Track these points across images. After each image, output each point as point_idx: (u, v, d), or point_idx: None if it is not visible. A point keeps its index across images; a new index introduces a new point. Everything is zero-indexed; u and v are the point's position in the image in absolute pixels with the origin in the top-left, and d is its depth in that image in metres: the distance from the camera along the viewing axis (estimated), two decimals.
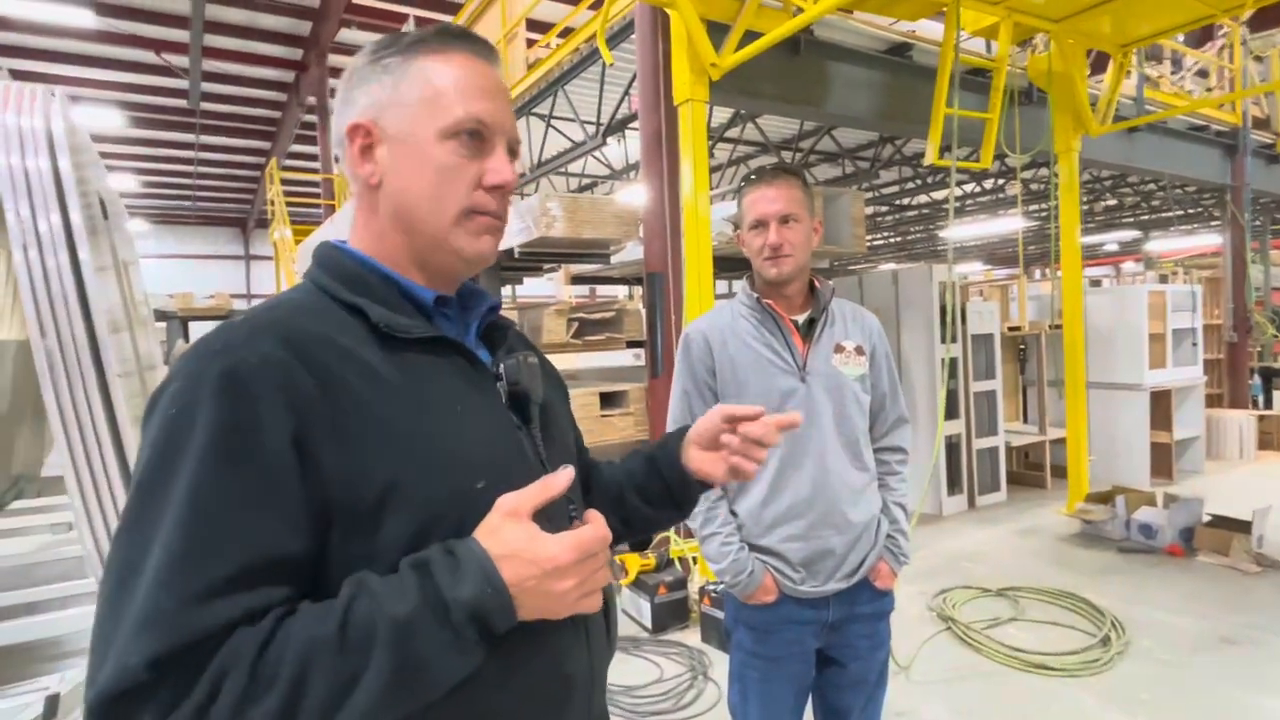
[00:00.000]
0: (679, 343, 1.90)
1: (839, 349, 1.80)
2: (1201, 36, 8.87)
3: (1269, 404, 8.98)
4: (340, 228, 5.53)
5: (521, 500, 0.73)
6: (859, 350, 1.82)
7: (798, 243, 1.76)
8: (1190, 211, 13.07)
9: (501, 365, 0.89)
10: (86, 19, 9.55)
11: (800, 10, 3.81)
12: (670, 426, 1.87)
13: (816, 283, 1.85)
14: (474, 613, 0.68)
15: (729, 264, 5.98)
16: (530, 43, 6.48)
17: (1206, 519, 5.02)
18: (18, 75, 10.89)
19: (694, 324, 1.91)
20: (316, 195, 14.96)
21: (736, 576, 1.76)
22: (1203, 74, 8.76)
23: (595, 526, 0.75)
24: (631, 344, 5.70)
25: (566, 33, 6.05)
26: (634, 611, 4.07)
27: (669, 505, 1.08)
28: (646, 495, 1.08)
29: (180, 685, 0.60)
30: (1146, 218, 14.01)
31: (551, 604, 0.73)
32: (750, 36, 4.07)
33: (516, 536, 0.71)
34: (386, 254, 0.86)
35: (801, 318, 1.82)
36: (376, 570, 0.71)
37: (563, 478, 0.76)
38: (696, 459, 1.04)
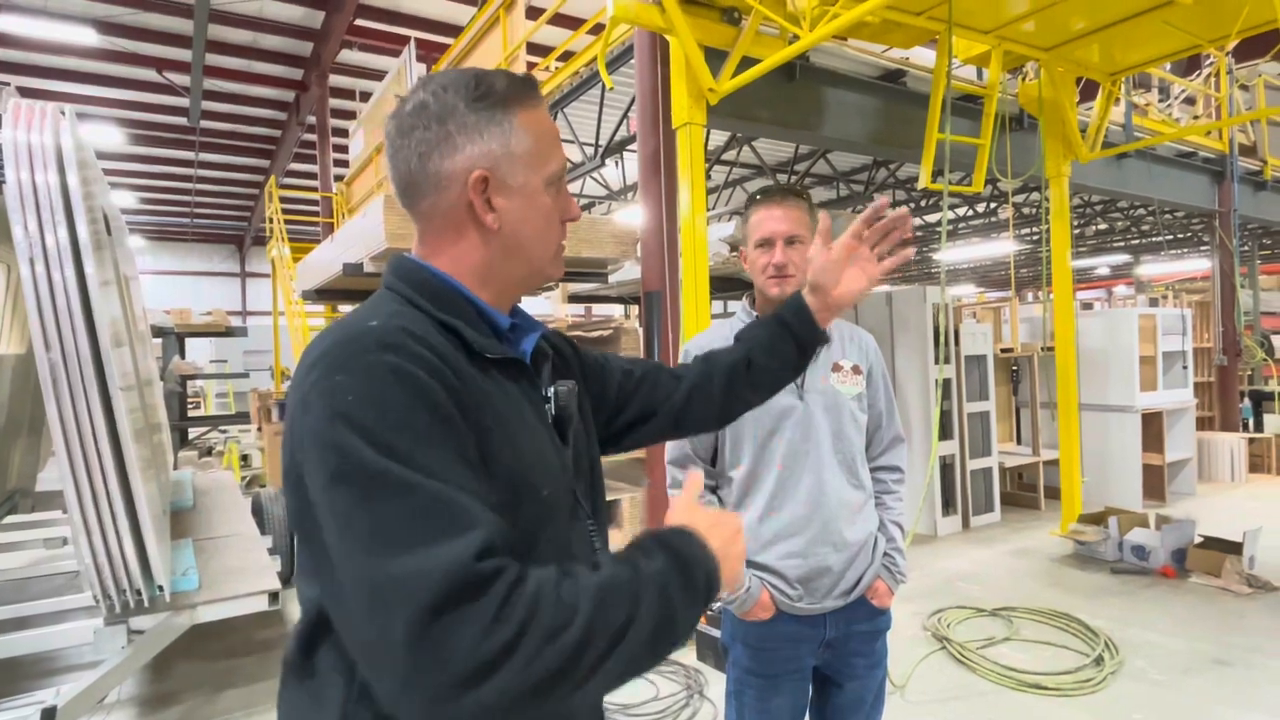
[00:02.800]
0: (679, 358, 1.93)
1: (836, 367, 1.83)
2: (1188, 65, 9.05)
3: (1259, 427, 9.05)
4: (343, 245, 5.57)
5: (685, 494, 0.95)
6: (856, 369, 1.85)
7: (801, 264, 1.77)
8: (1179, 236, 13.24)
9: (553, 389, 0.99)
10: (89, 37, 9.64)
11: (796, 38, 3.90)
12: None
13: None
14: (706, 571, 0.82)
15: (726, 284, 6.04)
16: (530, 66, 6.57)
17: (1198, 540, 5.05)
18: (19, 92, 10.96)
19: (693, 340, 1.94)
20: (315, 214, 15.02)
21: (734, 593, 1.77)
22: (1190, 102, 8.92)
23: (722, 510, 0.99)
24: None
25: (566, 56, 6.15)
26: None
27: (798, 360, 1.28)
28: (780, 356, 1.26)
29: (502, 599, 0.66)
30: (1137, 242, 14.17)
31: (735, 566, 0.88)
32: (747, 62, 4.15)
33: (703, 514, 0.89)
34: (476, 279, 0.93)
35: None
36: None
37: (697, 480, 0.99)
38: (835, 294, 1.24)
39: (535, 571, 0.70)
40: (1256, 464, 8.22)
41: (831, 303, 1.24)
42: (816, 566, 1.77)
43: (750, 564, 1.81)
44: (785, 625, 1.79)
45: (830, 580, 1.78)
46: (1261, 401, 9.26)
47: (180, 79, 11.22)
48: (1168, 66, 7.76)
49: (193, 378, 10.13)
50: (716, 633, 3.61)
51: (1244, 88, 8.48)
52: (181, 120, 12.78)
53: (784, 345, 1.25)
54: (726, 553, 0.86)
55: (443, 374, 0.79)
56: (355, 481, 0.70)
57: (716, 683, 3.49)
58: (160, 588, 2.82)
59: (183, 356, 10.46)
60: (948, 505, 6.34)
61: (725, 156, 7.59)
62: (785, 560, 1.78)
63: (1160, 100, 8.34)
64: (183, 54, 10.61)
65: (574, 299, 8.55)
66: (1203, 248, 13.21)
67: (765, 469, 1.80)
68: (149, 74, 11.40)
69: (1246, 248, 10.43)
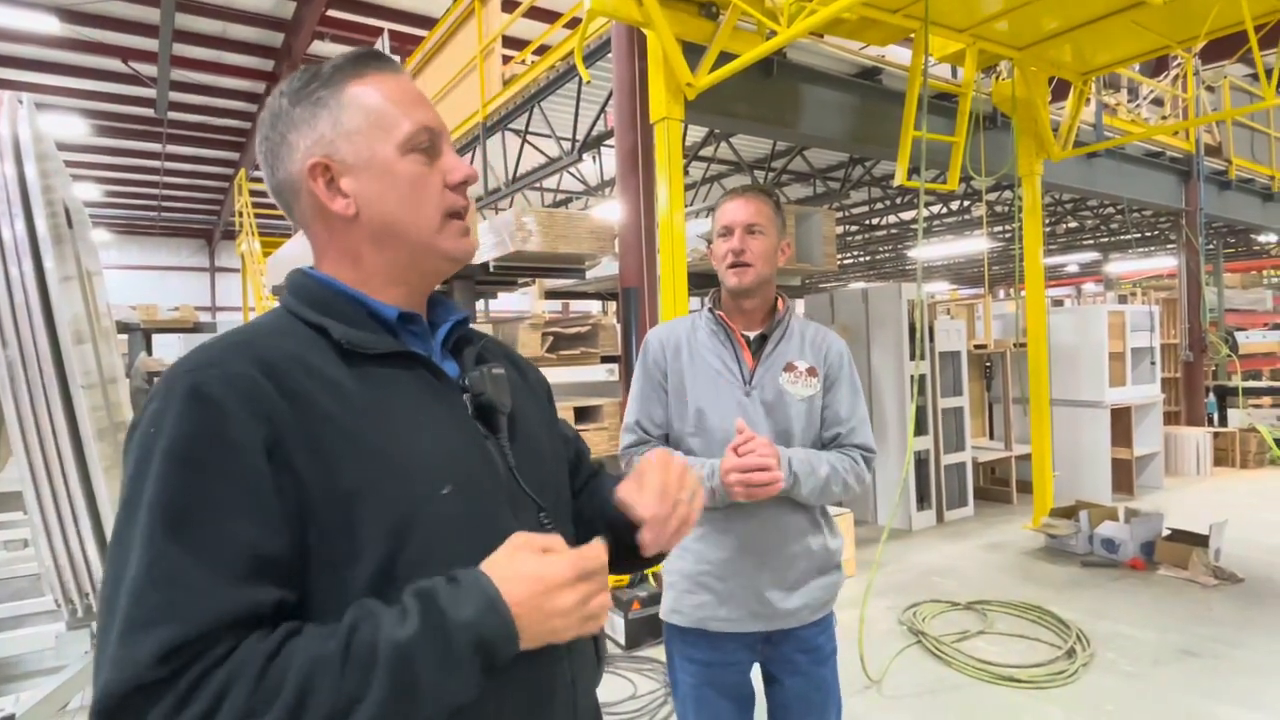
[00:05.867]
0: (641, 350, 1.93)
1: (789, 368, 1.80)
2: (1157, 66, 9.21)
3: (1224, 421, 9.25)
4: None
5: (533, 537, 0.78)
6: (811, 371, 1.80)
7: (760, 254, 1.78)
8: (1147, 234, 13.49)
9: (466, 378, 0.92)
10: (51, 25, 9.36)
11: (773, 34, 3.89)
12: (628, 425, 1.90)
13: (780, 302, 1.88)
14: (477, 637, 0.70)
15: (704, 280, 6.03)
16: (506, 59, 6.51)
17: (1166, 533, 5.15)
18: None
19: (654, 330, 1.95)
20: None
21: (709, 480, 1.64)
22: (1158, 102, 9.08)
23: (594, 547, 0.79)
24: (606, 359, 5.70)
25: (542, 50, 6.09)
26: (607, 628, 4.05)
27: (630, 563, 1.04)
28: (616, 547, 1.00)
29: (186, 689, 0.61)
30: (1106, 240, 14.42)
31: (554, 623, 0.74)
32: (725, 58, 4.14)
33: (521, 560, 0.75)
34: (361, 277, 0.89)
35: (754, 334, 1.84)
36: (355, 579, 0.74)
37: (598, 548, 0.78)
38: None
39: (247, 647, 0.64)
40: (1221, 458, 8.40)
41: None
42: (753, 562, 1.76)
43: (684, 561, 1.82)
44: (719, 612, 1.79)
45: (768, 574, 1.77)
46: (1226, 396, 9.47)
47: (147, 69, 10.94)
48: (1137, 67, 7.89)
49: (160, 374, 9.92)
50: None
51: (1210, 89, 8.65)
52: (148, 111, 12.47)
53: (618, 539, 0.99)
54: (535, 609, 0.72)
55: (258, 394, 0.73)
56: (117, 527, 0.69)
57: None
58: None
59: (150, 353, 10.25)
60: (922, 500, 6.40)
61: (703, 152, 7.58)
62: (720, 552, 1.77)
63: (1129, 100, 8.47)
64: (149, 43, 10.35)
65: (551, 295, 8.50)
66: (1169, 246, 13.48)
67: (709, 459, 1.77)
68: (114, 64, 11.10)
69: (1212, 246, 10.65)
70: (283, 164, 0.87)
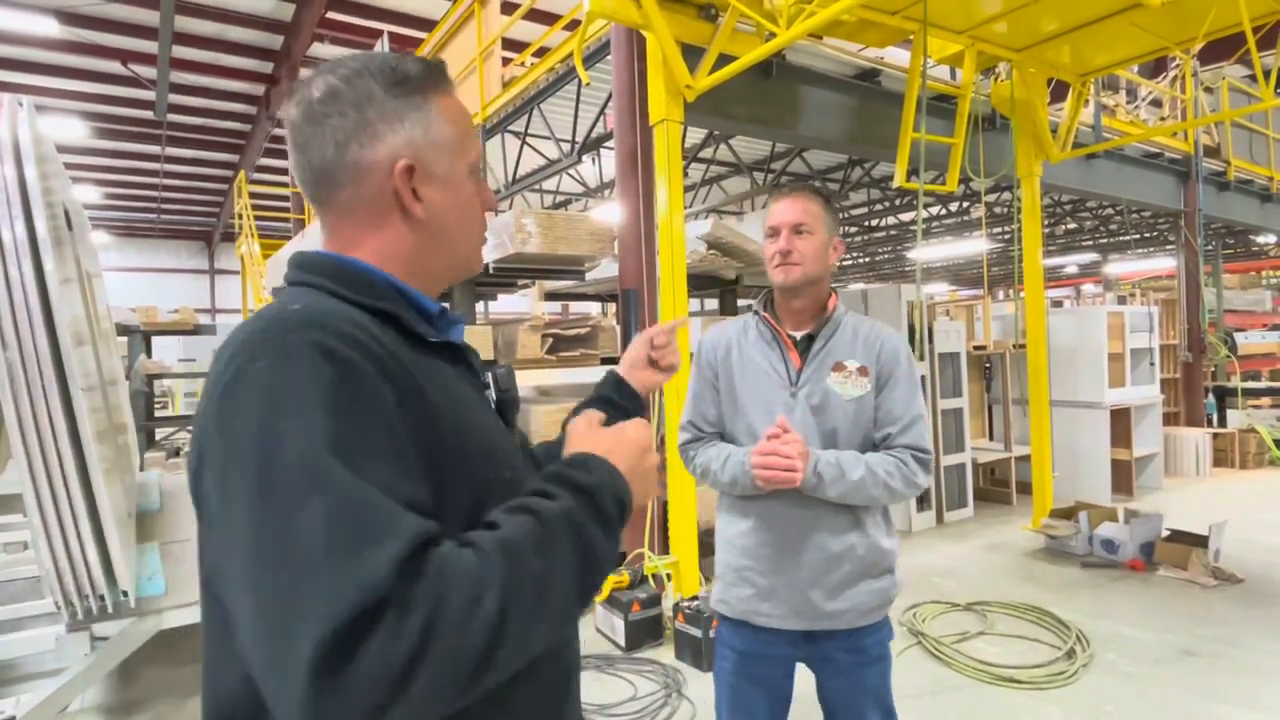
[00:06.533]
0: (693, 354, 1.98)
1: (839, 367, 1.78)
2: (1155, 68, 9.22)
3: (1223, 422, 9.26)
4: (313, 241, 5.48)
5: (590, 414, 0.94)
6: (862, 370, 1.77)
7: (808, 253, 1.77)
8: (1146, 235, 13.50)
9: (491, 374, 0.96)
10: (50, 28, 9.37)
11: (772, 35, 3.90)
12: (683, 424, 1.94)
13: (832, 301, 1.86)
14: (616, 496, 0.81)
15: (703, 282, 6.04)
16: (506, 61, 6.51)
17: (1166, 534, 5.15)
18: None
19: (708, 331, 1.98)
20: (285, 209, 14.76)
21: (742, 475, 1.75)
22: (1156, 104, 9.09)
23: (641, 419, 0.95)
24: (605, 360, 5.70)
25: (542, 52, 6.10)
26: (607, 629, 4.04)
27: None
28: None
29: (402, 598, 0.59)
30: (1105, 241, 14.43)
31: (645, 484, 0.88)
32: (724, 60, 4.14)
33: (605, 435, 0.89)
34: (401, 270, 0.89)
35: (801, 334, 1.84)
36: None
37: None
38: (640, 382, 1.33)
39: (436, 553, 0.64)
40: (1220, 458, 8.40)
41: (640, 380, 1.34)
42: (794, 561, 1.76)
43: (727, 559, 1.85)
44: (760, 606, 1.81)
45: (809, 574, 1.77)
46: (1225, 397, 9.47)
47: (146, 71, 10.95)
48: (1135, 69, 7.90)
49: (160, 377, 9.89)
50: (697, 632, 3.61)
51: (1208, 90, 8.66)
52: (148, 114, 12.48)
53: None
54: (635, 471, 0.86)
55: (376, 355, 0.73)
56: (264, 476, 0.64)
57: (695, 681, 3.49)
58: (125, 593, 2.74)
59: (149, 355, 10.23)
60: (922, 501, 6.40)
61: (703, 154, 7.60)
62: (763, 549, 1.79)
63: (1128, 102, 8.49)
64: (148, 46, 10.36)
65: (551, 296, 8.49)
66: (1168, 247, 13.49)
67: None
68: (114, 66, 11.11)
69: (1210, 247, 10.66)
70: (357, 145, 0.84)
